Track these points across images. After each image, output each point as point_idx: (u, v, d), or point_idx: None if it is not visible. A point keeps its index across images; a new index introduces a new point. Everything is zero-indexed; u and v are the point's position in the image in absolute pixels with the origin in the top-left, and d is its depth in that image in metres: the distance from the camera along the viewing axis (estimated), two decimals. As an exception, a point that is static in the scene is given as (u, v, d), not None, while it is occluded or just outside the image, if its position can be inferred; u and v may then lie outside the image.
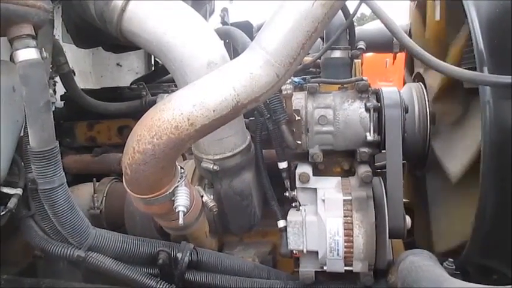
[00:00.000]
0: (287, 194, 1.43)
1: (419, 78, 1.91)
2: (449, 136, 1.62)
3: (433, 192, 1.76)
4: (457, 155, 1.51)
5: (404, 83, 2.26)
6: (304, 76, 1.64)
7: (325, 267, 1.36)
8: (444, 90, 1.65)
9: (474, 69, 1.25)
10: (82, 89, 1.98)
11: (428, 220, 1.75)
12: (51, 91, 2.15)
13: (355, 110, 1.45)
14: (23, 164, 1.37)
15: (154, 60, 2.96)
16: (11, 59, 1.12)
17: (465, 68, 1.27)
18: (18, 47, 1.08)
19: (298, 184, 1.40)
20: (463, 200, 1.47)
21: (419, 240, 1.85)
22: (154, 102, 1.61)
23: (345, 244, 1.31)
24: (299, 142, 1.45)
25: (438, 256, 1.28)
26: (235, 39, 1.67)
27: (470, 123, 1.49)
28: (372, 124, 1.41)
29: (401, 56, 2.79)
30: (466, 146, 1.46)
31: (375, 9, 1.29)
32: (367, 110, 1.42)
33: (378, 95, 1.46)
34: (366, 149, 1.43)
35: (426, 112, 1.67)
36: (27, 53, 1.08)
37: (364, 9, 1.44)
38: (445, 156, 1.58)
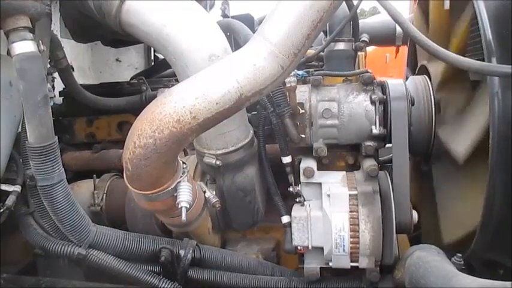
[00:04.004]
0: (291, 189, 1.42)
1: (423, 71, 1.89)
2: (454, 122, 1.59)
3: (440, 183, 1.73)
4: (463, 136, 1.48)
5: (406, 78, 2.23)
6: (308, 69, 1.62)
7: (330, 264, 1.34)
8: (448, 77, 1.62)
9: (481, 61, 1.23)
10: (81, 85, 1.95)
11: (434, 215, 1.73)
12: (49, 86, 2.12)
13: (360, 103, 1.42)
14: (21, 160, 1.35)
15: (154, 55, 2.93)
16: (8, 52, 1.09)
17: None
18: (15, 40, 1.05)
19: (302, 179, 1.38)
20: (471, 186, 1.44)
21: (426, 235, 1.83)
22: (154, 97, 1.58)
23: (351, 240, 1.29)
24: (303, 136, 1.43)
25: (446, 247, 1.26)
26: (236, 32, 1.64)
27: (475, 108, 1.47)
28: (377, 117, 1.39)
29: (402, 50, 2.77)
30: (471, 126, 1.43)
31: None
32: (373, 102, 1.40)
33: (383, 88, 1.43)
34: (371, 143, 1.41)
35: (431, 104, 1.65)
36: (24, 46, 1.06)
37: (364, 5, 1.42)
38: (451, 140, 1.55)
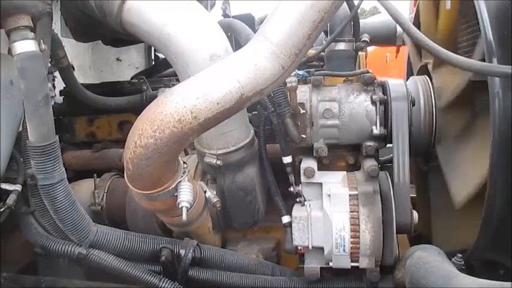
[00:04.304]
0: (291, 189, 1.42)
1: (424, 71, 1.88)
2: (454, 148, 1.57)
3: (436, 201, 1.73)
4: (462, 179, 1.46)
5: (407, 77, 2.23)
6: (308, 69, 1.61)
7: (330, 264, 1.34)
8: (453, 103, 1.61)
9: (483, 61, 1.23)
10: (82, 84, 1.96)
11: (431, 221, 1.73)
12: (50, 85, 2.12)
13: (360, 103, 1.42)
14: (22, 159, 1.35)
15: (155, 54, 2.93)
16: (9, 51, 1.09)
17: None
18: (16, 39, 1.05)
19: (303, 179, 1.38)
20: (465, 221, 1.44)
21: (423, 236, 1.83)
22: (155, 97, 1.58)
23: (351, 240, 1.29)
24: (303, 136, 1.43)
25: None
26: (237, 32, 1.64)
27: (478, 141, 1.44)
28: (378, 117, 1.39)
29: (402, 50, 2.77)
30: (472, 170, 1.40)
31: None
32: (373, 102, 1.40)
33: (384, 88, 1.43)
34: (371, 143, 1.41)
35: (432, 105, 1.65)
36: (25, 45, 1.06)
37: (364, 5, 1.42)
38: (450, 175, 1.53)
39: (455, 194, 1.47)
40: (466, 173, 1.44)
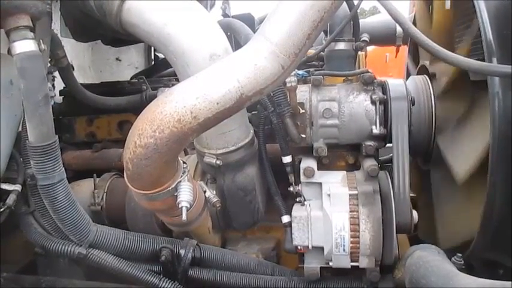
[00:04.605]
0: (291, 188, 1.42)
1: (423, 71, 1.89)
2: (454, 134, 1.58)
3: (438, 190, 1.73)
4: (462, 155, 1.47)
5: (407, 77, 2.23)
6: (308, 69, 1.61)
7: (330, 263, 1.34)
8: (450, 87, 1.61)
9: (483, 61, 1.23)
10: (81, 84, 1.96)
11: (433, 216, 1.73)
12: (49, 85, 2.12)
13: (360, 103, 1.42)
14: (21, 159, 1.35)
15: (154, 54, 2.93)
16: (9, 51, 1.09)
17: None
18: (16, 39, 1.05)
19: (302, 179, 1.38)
20: (469, 198, 1.44)
21: (424, 235, 1.83)
22: (155, 97, 1.59)
23: (351, 239, 1.29)
24: (303, 136, 1.43)
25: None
26: (237, 32, 1.64)
27: (476, 121, 1.46)
28: (377, 117, 1.39)
29: (402, 50, 2.77)
30: (472, 146, 1.42)
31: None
32: (373, 102, 1.40)
33: (383, 87, 1.43)
34: (371, 143, 1.41)
35: (432, 105, 1.65)
36: (25, 45, 1.06)
37: (364, 4, 1.41)
38: (451, 156, 1.54)
39: (457, 171, 1.46)
40: (466, 149, 1.45)
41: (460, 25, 1.54)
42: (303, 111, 1.41)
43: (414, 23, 2.01)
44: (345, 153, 1.51)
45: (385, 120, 1.41)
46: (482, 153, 1.33)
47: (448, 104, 1.64)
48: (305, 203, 1.37)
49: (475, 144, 1.39)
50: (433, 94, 1.66)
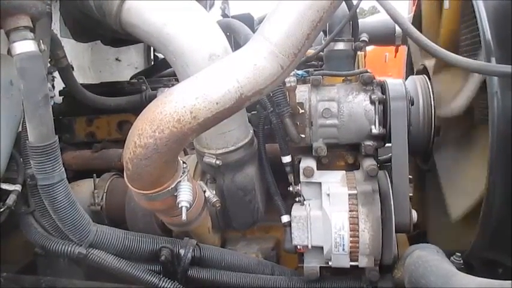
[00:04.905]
0: (291, 188, 1.42)
1: (423, 71, 1.89)
2: (452, 161, 1.57)
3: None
4: (459, 192, 1.47)
5: (406, 77, 2.23)
6: (307, 69, 1.62)
7: (330, 263, 1.34)
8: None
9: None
10: (81, 84, 1.96)
11: (435, 215, 1.73)
12: (49, 86, 2.12)
13: (359, 103, 1.42)
14: (21, 159, 1.35)
15: (154, 54, 2.93)
16: (8, 52, 1.09)
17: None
18: (16, 39, 1.05)
19: (302, 178, 1.38)
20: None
21: (423, 235, 1.83)
22: (154, 97, 1.59)
23: (351, 239, 1.29)
24: (303, 135, 1.43)
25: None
26: (236, 32, 1.65)
27: (475, 151, 1.45)
28: (377, 117, 1.39)
29: (401, 50, 2.77)
30: (469, 185, 1.41)
31: (380, -1, 1.26)
32: (372, 102, 1.40)
33: (382, 87, 1.43)
34: (370, 142, 1.41)
35: (431, 105, 1.65)
36: (25, 46, 1.06)
37: (363, 4, 1.41)
38: (448, 188, 1.54)
39: (452, 207, 1.47)
40: (464, 187, 1.44)
41: (463, 24, 1.54)
42: (303, 111, 1.42)
43: (413, 23, 2.01)
44: (344, 153, 1.51)
45: (384, 120, 1.41)
46: (479, 197, 1.32)
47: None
48: (304, 202, 1.37)
49: (471, 184, 1.38)
50: (432, 94, 1.67)
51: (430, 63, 1.78)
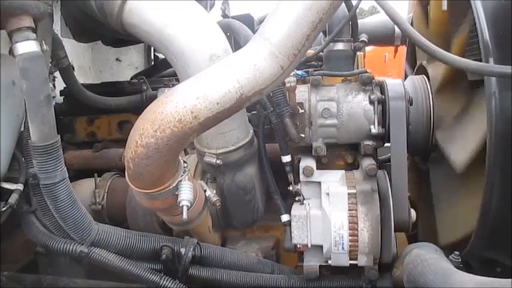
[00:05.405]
0: (291, 188, 1.42)
1: (421, 71, 1.90)
2: (453, 127, 1.60)
3: (437, 185, 1.74)
4: (461, 144, 1.48)
5: (405, 77, 2.24)
6: (307, 69, 1.62)
7: (329, 262, 1.34)
8: (447, 82, 1.63)
9: (479, 61, 1.24)
10: (82, 84, 1.97)
11: (432, 214, 1.74)
12: (51, 85, 2.13)
13: (359, 103, 1.43)
14: (23, 159, 1.35)
15: (154, 54, 2.94)
16: (10, 52, 1.10)
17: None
18: (18, 40, 1.06)
19: (302, 178, 1.39)
20: (468, 191, 1.45)
21: (423, 235, 1.84)
22: (155, 97, 1.60)
23: (350, 238, 1.30)
24: (302, 135, 1.44)
25: (442, 249, 1.27)
26: (236, 32, 1.65)
27: (474, 114, 1.47)
28: (376, 116, 1.40)
29: (401, 50, 2.78)
30: (470, 135, 1.43)
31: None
32: (371, 102, 1.41)
33: (382, 87, 1.44)
34: (370, 142, 1.42)
35: (430, 104, 1.66)
36: (27, 46, 1.06)
37: (363, 4, 1.42)
38: (449, 147, 1.56)
39: (455, 160, 1.47)
40: (464, 140, 1.46)
41: (455, 25, 1.56)
42: (302, 111, 1.42)
43: (412, 24, 2.03)
44: (344, 153, 1.52)
45: (384, 119, 1.42)
46: (481, 140, 1.33)
47: (445, 99, 1.64)
48: (304, 202, 1.38)
49: (472, 133, 1.40)
50: (431, 93, 1.68)
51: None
